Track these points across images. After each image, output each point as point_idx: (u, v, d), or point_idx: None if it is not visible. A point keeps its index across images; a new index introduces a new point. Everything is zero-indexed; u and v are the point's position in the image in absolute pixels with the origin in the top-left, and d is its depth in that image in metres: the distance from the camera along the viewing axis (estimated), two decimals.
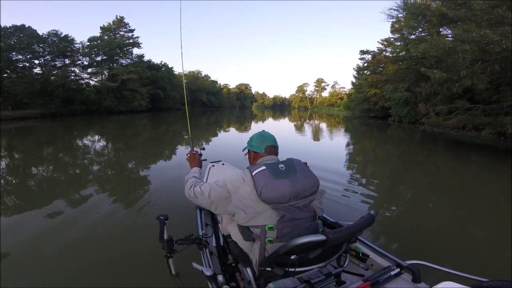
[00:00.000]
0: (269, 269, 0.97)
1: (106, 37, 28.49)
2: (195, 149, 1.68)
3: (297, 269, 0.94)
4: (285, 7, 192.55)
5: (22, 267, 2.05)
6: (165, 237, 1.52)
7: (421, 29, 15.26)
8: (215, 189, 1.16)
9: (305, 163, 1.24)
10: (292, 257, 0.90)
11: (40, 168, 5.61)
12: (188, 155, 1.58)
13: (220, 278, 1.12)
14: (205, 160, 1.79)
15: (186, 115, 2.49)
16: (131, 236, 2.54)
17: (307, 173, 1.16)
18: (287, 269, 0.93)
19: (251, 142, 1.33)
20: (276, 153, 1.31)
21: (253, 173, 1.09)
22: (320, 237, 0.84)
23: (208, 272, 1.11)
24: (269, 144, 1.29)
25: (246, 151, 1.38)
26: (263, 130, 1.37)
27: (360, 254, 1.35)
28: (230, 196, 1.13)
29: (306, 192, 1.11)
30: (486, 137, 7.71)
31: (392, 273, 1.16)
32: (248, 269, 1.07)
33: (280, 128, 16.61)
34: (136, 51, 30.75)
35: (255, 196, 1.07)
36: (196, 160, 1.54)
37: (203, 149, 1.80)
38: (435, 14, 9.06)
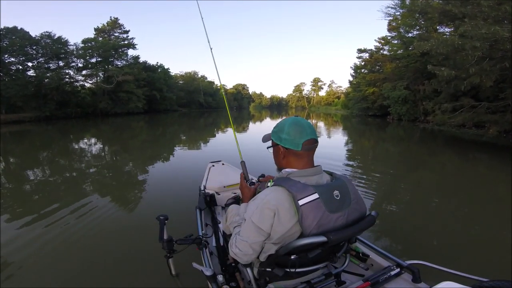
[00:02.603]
0: (269, 269, 0.96)
1: (100, 38, 28.27)
2: (250, 176, 1.32)
3: (297, 270, 0.93)
4: (282, 7, 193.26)
5: (22, 269, 2.03)
6: (165, 237, 1.52)
7: (418, 27, 15.34)
8: (253, 240, 0.90)
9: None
10: (292, 257, 0.89)
11: (36, 171, 5.54)
12: (243, 184, 1.26)
13: (220, 278, 1.12)
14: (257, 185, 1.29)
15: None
16: (131, 236, 2.54)
17: (360, 201, 0.96)
18: (287, 269, 0.93)
19: (280, 133, 0.96)
20: (312, 152, 0.97)
21: (300, 203, 0.83)
22: (320, 238, 0.84)
23: (208, 272, 1.11)
24: (308, 138, 0.93)
25: (269, 143, 1.03)
26: (297, 116, 0.98)
27: (360, 254, 1.35)
28: (268, 233, 0.90)
29: (352, 223, 0.93)
30: (492, 135, 7.70)
31: (392, 273, 1.15)
32: (248, 269, 1.06)
33: None
34: (131, 52, 30.59)
35: (297, 232, 0.87)
36: (250, 194, 1.20)
37: (263, 176, 1.30)
38: (437, 11, 9.03)
